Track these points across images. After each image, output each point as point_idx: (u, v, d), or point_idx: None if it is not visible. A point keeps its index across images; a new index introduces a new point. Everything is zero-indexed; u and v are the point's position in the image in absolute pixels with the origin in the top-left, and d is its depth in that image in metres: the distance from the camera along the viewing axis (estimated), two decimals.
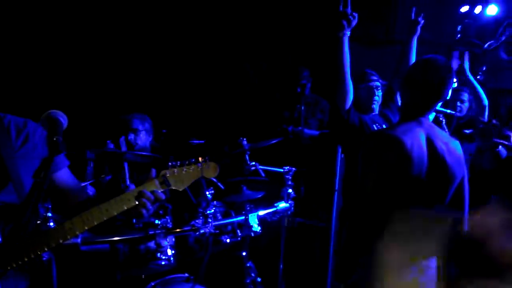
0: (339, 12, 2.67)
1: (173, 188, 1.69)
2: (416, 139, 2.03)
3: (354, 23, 2.71)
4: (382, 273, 2.00)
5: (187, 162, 1.71)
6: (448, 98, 3.23)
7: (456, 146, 2.13)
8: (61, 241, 1.58)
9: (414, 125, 2.08)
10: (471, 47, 4.39)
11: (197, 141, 3.43)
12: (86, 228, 1.61)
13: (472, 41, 4.45)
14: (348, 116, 2.77)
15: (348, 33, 2.72)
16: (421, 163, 2.02)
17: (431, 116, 3.03)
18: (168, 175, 1.68)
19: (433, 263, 2.09)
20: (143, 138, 3.35)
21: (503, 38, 3.86)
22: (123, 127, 3.30)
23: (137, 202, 1.64)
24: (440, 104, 2.24)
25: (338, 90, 2.75)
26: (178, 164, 1.71)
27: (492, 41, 4.43)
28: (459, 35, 4.41)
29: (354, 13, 2.69)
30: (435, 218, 2.08)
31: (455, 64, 3.67)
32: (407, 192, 2.02)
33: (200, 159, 1.71)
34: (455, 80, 3.32)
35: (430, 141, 2.06)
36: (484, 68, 4.42)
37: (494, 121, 2.93)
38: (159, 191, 1.67)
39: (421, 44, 3.09)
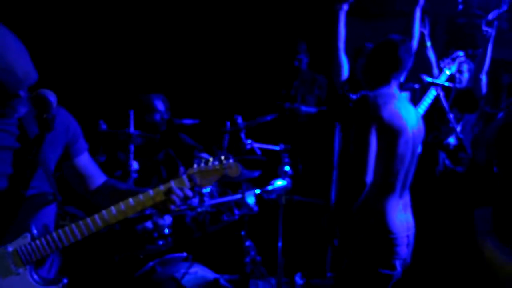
0: None
1: (199, 185, 1.76)
2: (400, 102, 2.16)
3: None
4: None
5: (211, 161, 1.77)
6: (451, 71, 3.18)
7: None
8: (93, 231, 1.66)
9: (392, 92, 2.18)
10: (473, 18, 4.29)
11: (191, 121, 3.39)
12: (117, 220, 1.68)
13: (475, 12, 4.34)
14: (343, 91, 2.74)
15: (346, 7, 2.67)
16: (407, 121, 2.12)
17: (432, 94, 3.01)
18: (195, 172, 1.74)
19: None
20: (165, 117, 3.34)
21: (505, 8, 3.75)
22: (146, 109, 3.25)
23: (165, 198, 1.71)
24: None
25: (332, 65, 2.74)
26: (204, 162, 1.76)
27: (495, 11, 4.31)
28: (461, 6, 4.30)
29: None
30: None
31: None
32: (402, 148, 2.12)
33: (223, 158, 1.77)
34: (461, 54, 3.25)
35: (406, 108, 2.17)
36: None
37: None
38: (187, 189, 1.72)
39: (422, 15, 3.02)
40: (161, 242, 2.78)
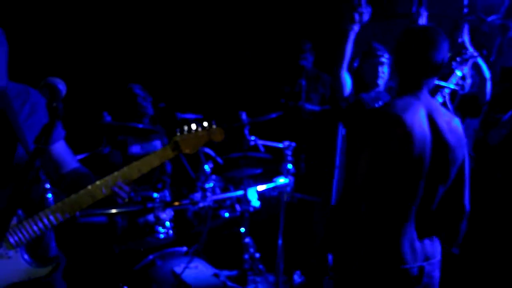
0: (354, 4, 2.54)
1: (184, 152, 1.76)
2: (417, 116, 1.88)
3: (366, 18, 2.58)
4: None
5: (195, 127, 1.78)
6: (456, 75, 3.15)
7: (457, 124, 1.98)
8: (90, 202, 1.65)
9: (413, 100, 1.91)
10: (477, 22, 4.29)
11: (194, 116, 3.39)
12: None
13: (479, 15, 4.34)
14: (348, 103, 2.70)
15: (357, 28, 2.59)
16: (422, 143, 1.87)
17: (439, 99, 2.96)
18: (178, 140, 1.74)
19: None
20: (148, 103, 3.35)
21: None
22: (129, 98, 3.27)
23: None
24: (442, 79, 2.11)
25: (335, 82, 2.66)
26: (186, 130, 1.76)
27: (495, 16, 4.32)
28: (466, 9, 4.30)
29: (368, 8, 2.57)
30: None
31: (466, 38, 3.54)
32: (408, 175, 1.88)
33: (206, 123, 1.79)
34: (475, 54, 3.19)
35: (431, 119, 1.91)
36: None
37: None
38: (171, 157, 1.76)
39: (427, 18, 3.00)
40: (162, 236, 2.78)
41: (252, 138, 3.09)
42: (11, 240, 1.59)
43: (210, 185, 2.81)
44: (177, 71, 4.35)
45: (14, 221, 1.60)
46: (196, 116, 3.35)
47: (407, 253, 1.90)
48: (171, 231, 2.80)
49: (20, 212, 1.62)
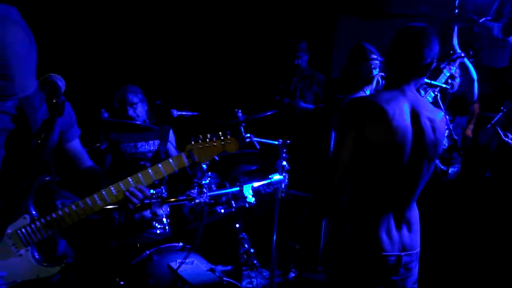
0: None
1: (197, 162, 1.76)
2: (399, 109, 1.91)
3: None
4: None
5: (209, 137, 1.77)
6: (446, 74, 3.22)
7: (442, 121, 2.03)
8: (107, 203, 1.67)
9: (398, 95, 1.94)
10: (468, 23, 4.37)
11: (190, 113, 3.41)
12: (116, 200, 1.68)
13: (470, 16, 4.42)
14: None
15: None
16: (402, 135, 1.90)
17: (430, 97, 3.02)
18: (193, 149, 1.74)
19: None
20: (140, 109, 3.35)
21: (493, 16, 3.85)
22: (120, 104, 3.30)
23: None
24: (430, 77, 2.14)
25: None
26: (201, 139, 1.76)
27: (486, 18, 4.41)
28: (456, 10, 4.37)
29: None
30: None
31: (455, 40, 3.61)
32: (386, 165, 1.92)
33: (221, 134, 1.78)
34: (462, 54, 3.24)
35: (415, 114, 1.95)
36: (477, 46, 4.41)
37: None
38: (187, 166, 1.75)
39: (418, 18, 3.06)
40: (158, 231, 2.80)
41: (248, 135, 3.12)
42: (23, 238, 1.61)
43: (206, 181, 2.84)
44: (173, 69, 4.37)
45: (27, 220, 1.63)
46: (192, 113, 3.37)
47: (385, 242, 1.95)
48: (167, 227, 2.83)
49: (33, 211, 1.64)
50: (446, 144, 3.28)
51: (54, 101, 1.53)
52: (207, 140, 1.76)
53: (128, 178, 1.69)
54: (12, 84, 1.52)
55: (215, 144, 1.76)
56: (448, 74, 3.13)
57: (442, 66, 3.16)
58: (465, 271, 3.22)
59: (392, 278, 1.99)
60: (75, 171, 1.83)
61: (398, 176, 1.94)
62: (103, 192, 1.67)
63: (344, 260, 2.02)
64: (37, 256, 1.64)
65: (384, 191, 1.96)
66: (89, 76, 4.03)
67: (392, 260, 1.96)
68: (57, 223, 1.63)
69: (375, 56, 2.96)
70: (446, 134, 3.14)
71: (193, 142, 1.74)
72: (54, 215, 1.63)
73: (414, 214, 2.07)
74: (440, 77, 3.14)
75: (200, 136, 1.76)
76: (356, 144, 1.89)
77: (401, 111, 1.91)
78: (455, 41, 3.49)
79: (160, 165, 1.71)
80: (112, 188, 1.68)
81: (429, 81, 2.88)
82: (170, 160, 1.72)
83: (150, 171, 1.70)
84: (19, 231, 1.61)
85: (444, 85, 2.97)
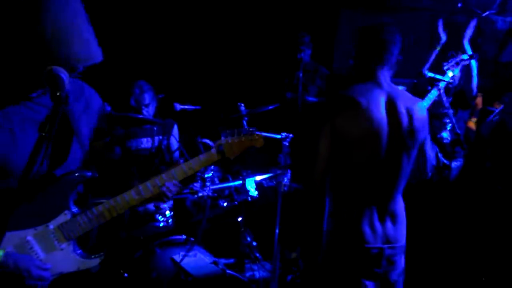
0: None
1: (227, 157, 1.83)
2: (374, 100, 1.95)
3: None
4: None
5: (237, 133, 1.84)
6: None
7: (421, 109, 2.06)
8: (143, 197, 1.76)
9: (372, 87, 1.99)
10: (471, 16, 4.35)
11: (193, 107, 3.41)
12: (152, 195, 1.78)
13: (473, 9, 4.40)
14: None
15: None
16: (378, 126, 1.94)
17: (433, 94, 3.02)
18: (223, 144, 1.81)
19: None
20: (151, 108, 3.37)
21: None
22: (137, 103, 3.30)
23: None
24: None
25: None
26: (231, 134, 1.83)
27: (490, 11, 4.39)
28: (460, 4, 4.36)
29: None
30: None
31: (443, 36, 3.60)
32: (364, 157, 1.96)
33: (249, 128, 1.86)
34: (465, 57, 3.26)
35: (391, 104, 1.98)
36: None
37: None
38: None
39: (421, 11, 3.05)
40: (161, 224, 2.82)
41: (251, 129, 3.12)
42: (64, 233, 1.69)
43: (209, 175, 2.85)
44: (176, 62, 4.37)
45: (68, 216, 1.71)
46: (195, 107, 3.37)
47: (367, 234, 1.98)
48: (170, 220, 2.84)
49: (73, 207, 1.72)
50: (449, 139, 3.28)
51: (57, 94, 1.52)
52: (235, 135, 1.82)
53: (162, 174, 1.77)
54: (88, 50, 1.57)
55: (243, 139, 1.83)
56: (452, 75, 3.14)
57: (445, 67, 3.16)
58: (467, 267, 3.23)
59: (375, 270, 2.01)
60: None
61: (377, 168, 1.97)
62: (140, 187, 1.75)
63: (328, 252, 2.05)
64: (77, 250, 1.73)
65: (365, 184, 1.99)
66: (91, 70, 4.02)
67: (374, 252, 1.99)
68: (97, 218, 1.71)
69: None
70: (448, 129, 3.14)
71: (223, 138, 1.81)
72: (94, 210, 1.71)
73: (399, 207, 2.08)
74: (443, 77, 3.13)
75: (229, 131, 1.82)
76: (333, 138, 1.93)
77: (376, 103, 1.95)
78: (466, 43, 3.49)
79: (192, 161, 1.79)
80: (148, 184, 1.76)
81: (432, 75, 2.88)
82: (201, 156, 1.80)
83: (183, 167, 1.79)
84: (60, 227, 1.69)
85: (447, 79, 2.97)
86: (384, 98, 1.98)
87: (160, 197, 1.79)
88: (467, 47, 3.61)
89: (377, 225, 2.00)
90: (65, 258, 1.71)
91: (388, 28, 2.01)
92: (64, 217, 1.69)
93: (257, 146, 1.85)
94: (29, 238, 1.65)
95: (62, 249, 1.70)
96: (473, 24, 3.50)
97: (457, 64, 3.13)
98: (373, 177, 1.98)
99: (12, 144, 1.59)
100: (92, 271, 1.76)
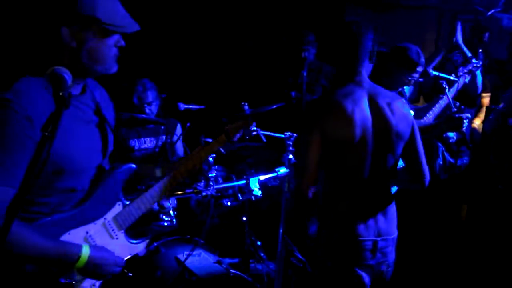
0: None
1: (232, 139, 2.17)
2: (358, 102, 2.01)
3: None
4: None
5: (234, 118, 2.20)
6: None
7: (400, 104, 2.10)
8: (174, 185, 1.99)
9: (355, 88, 2.04)
10: (475, 15, 4.33)
11: (197, 106, 3.41)
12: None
13: (477, 8, 4.38)
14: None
15: None
16: (363, 126, 1.99)
17: (445, 95, 3.02)
18: (229, 130, 2.16)
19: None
20: (155, 106, 3.37)
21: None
22: (140, 101, 3.30)
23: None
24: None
25: None
26: (228, 119, 2.18)
27: (496, 9, 4.36)
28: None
29: None
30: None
31: (459, 36, 3.59)
32: (352, 155, 2.01)
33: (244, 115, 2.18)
34: (475, 61, 3.25)
35: (372, 102, 2.03)
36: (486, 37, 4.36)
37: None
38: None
39: (426, 9, 3.04)
40: (166, 224, 2.82)
41: (254, 128, 3.12)
42: (120, 222, 1.83)
43: (213, 174, 2.85)
44: (179, 62, 4.37)
45: (120, 207, 1.85)
46: (198, 107, 3.37)
47: (360, 228, 2.05)
48: (174, 220, 2.84)
49: (123, 198, 1.86)
50: (455, 137, 3.27)
51: (60, 94, 1.52)
52: (234, 120, 2.20)
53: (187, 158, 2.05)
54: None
55: (240, 123, 2.16)
56: (463, 82, 3.15)
57: (459, 73, 3.15)
58: (467, 267, 3.21)
59: (370, 263, 2.08)
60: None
61: (368, 167, 2.03)
62: (173, 174, 1.97)
63: (323, 248, 2.12)
64: (128, 238, 1.88)
65: (357, 183, 2.04)
66: None
67: (368, 244, 2.05)
68: (144, 204, 1.87)
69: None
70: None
71: (226, 124, 2.16)
72: (142, 198, 1.87)
73: (389, 201, 2.15)
74: (453, 86, 3.13)
75: (229, 115, 2.23)
76: (324, 145, 1.98)
77: (359, 103, 2.00)
78: (460, 38, 3.48)
79: (208, 145, 2.11)
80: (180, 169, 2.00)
81: (437, 73, 2.88)
82: (215, 140, 2.12)
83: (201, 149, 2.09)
84: (116, 217, 1.82)
85: (452, 77, 2.96)
86: (366, 97, 2.03)
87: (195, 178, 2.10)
88: (465, 49, 3.61)
89: (369, 220, 2.07)
90: (121, 247, 1.84)
91: (357, 24, 2.08)
92: (118, 207, 1.82)
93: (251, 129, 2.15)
94: (91, 232, 1.74)
95: (118, 239, 1.82)
96: (459, 27, 3.50)
97: (469, 72, 3.15)
98: (365, 176, 2.04)
99: (67, 142, 1.66)
100: (139, 255, 1.94)
